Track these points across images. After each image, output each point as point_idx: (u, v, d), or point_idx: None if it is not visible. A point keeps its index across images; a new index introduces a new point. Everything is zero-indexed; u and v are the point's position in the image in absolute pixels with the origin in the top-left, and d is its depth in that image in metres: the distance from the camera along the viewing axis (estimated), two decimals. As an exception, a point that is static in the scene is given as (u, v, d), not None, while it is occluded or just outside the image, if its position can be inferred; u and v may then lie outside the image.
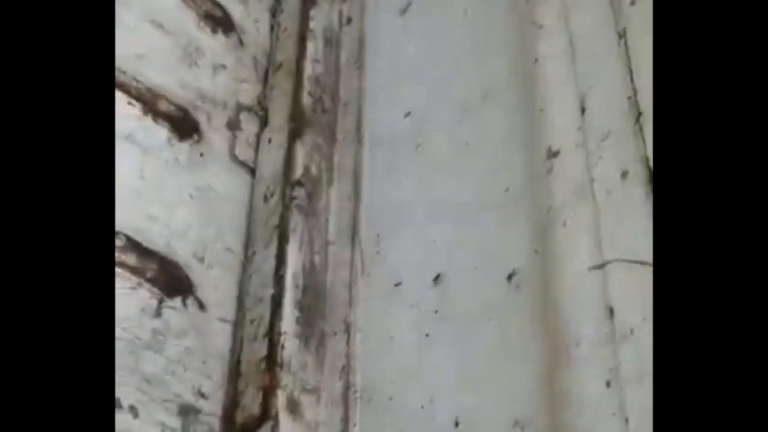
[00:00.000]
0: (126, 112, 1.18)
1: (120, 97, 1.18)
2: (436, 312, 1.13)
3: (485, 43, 1.30)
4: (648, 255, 0.90)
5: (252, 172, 1.30)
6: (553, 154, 1.08)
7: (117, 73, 1.19)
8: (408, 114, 1.32)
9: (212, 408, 1.05)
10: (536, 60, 1.17)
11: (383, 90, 1.39)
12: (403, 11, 1.45)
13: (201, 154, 1.24)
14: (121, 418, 0.97)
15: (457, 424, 1.03)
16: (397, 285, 1.18)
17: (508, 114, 1.20)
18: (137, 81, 1.21)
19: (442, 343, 1.11)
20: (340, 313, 1.18)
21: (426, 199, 1.23)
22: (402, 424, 1.08)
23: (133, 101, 1.19)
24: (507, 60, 1.25)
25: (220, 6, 1.39)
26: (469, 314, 1.10)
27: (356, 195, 1.29)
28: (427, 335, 1.12)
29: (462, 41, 1.34)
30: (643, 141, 0.99)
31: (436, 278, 1.15)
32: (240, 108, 1.34)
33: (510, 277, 1.08)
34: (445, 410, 1.05)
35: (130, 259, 1.08)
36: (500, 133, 1.20)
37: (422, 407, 1.07)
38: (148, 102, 1.21)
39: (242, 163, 1.29)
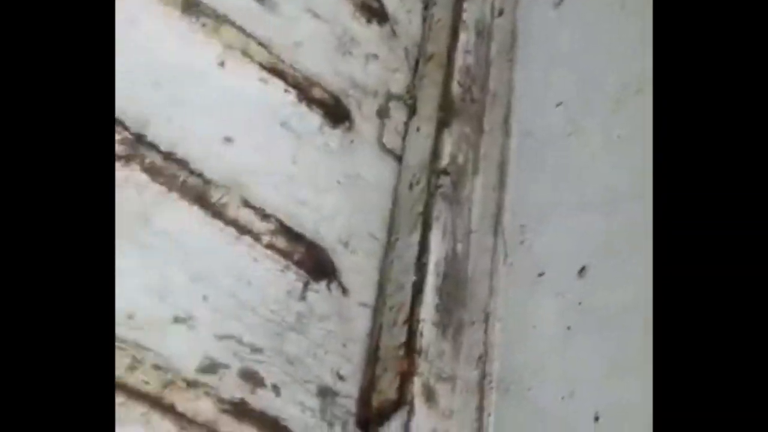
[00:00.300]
0: (282, 99, 1.19)
1: (277, 84, 1.19)
2: (580, 304, 1.09)
3: (641, 36, 1.25)
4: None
5: (398, 159, 1.29)
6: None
7: (276, 61, 1.20)
8: (560, 104, 1.29)
9: (350, 390, 1.05)
10: (691, 55, 1.11)
11: (534, 81, 1.35)
12: (558, 4, 1.41)
13: (351, 141, 1.24)
14: (264, 396, 0.98)
15: (597, 419, 1.00)
16: (540, 275, 1.15)
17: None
18: (294, 69, 1.21)
19: (585, 336, 1.07)
20: (479, 302, 1.16)
21: (575, 189, 1.19)
22: (540, 415, 1.05)
23: (290, 88, 1.20)
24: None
25: (376, -3, 1.38)
26: (614, 307, 1.06)
27: (501, 185, 1.26)
28: (569, 327, 1.09)
29: (617, 33, 1.29)
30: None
31: (582, 270, 1.11)
32: (390, 97, 1.33)
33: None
34: (585, 403, 1.01)
35: (280, 242, 1.09)
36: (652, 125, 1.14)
37: (562, 399, 1.04)
38: (304, 89, 1.21)
39: (389, 151, 1.29)
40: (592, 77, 1.27)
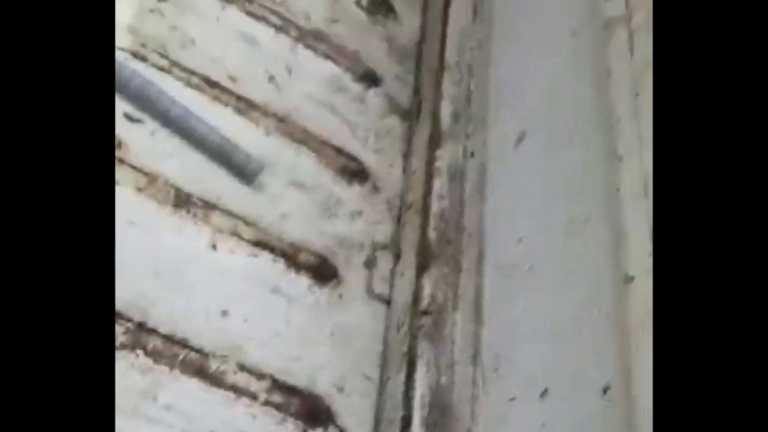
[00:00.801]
0: (272, 268, 1.34)
1: (266, 256, 1.34)
2: (543, 425, 1.20)
3: (587, 171, 1.38)
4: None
5: (387, 303, 1.42)
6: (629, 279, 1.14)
7: (263, 235, 1.36)
8: (520, 240, 1.41)
9: None
10: (618, 189, 1.24)
11: (500, 218, 1.48)
12: (518, 142, 1.54)
13: (340, 296, 1.38)
14: None
15: None
16: (511, 400, 1.26)
17: (603, 240, 1.26)
18: (281, 240, 1.37)
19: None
20: (463, 428, 1.27)
21: (535, 318, 1.31)
22: None
23: (278, 258, 1.35)
24: (602, 188, 1.31)
25: (355, 159, 1.54)
26: (572, 427, 1.16)
27: (477, 318, 1.39)
28: (535, 448, 1.20)
29: (567, 168, 1.42)
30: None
31: (543, 393, 1.22)
32: (375, 247, 1.47)
33: (605, 390, 1.14)
34: None
35: (276, 397, 1.22)
36: (596, 257, 1.26)
37: None
38: (291, 256, 1.36)
39: (378, 297, 1.42)
40: (545, 211, 1.39)
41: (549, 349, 1.26)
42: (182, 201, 1.29)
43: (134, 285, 1.19)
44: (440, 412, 1.29)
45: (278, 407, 1.22)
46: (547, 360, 1.25)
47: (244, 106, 1.46)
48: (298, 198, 1.43)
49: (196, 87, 1.42)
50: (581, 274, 1.27)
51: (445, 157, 1.58)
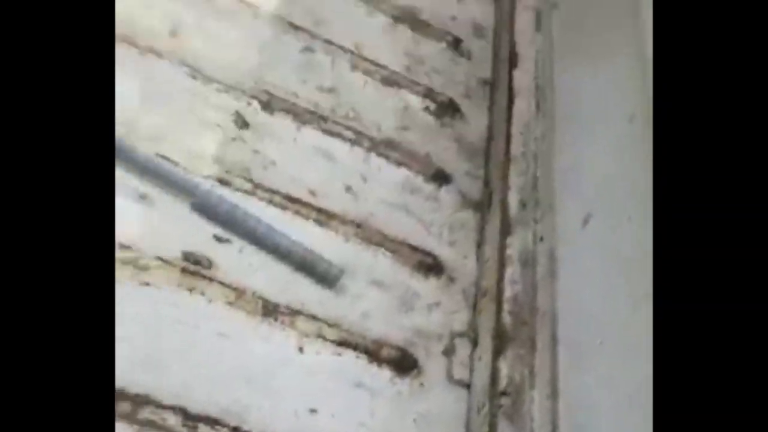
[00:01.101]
0: (355, 364, 1.41)
1: (350, 354, 1.41)
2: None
3: (646, 247, 1.40)
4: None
5: (467, 387, 1.47)
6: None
7: (346, 335, 1.43)
8: (591, 316, 1.44)
9: None
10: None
11: (572, 297, 1.52)
12: (584, 224, 1.58)
13: (421, 385, 1.44)
14: None
15: None
16: (593, 474, 1.29)
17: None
18: (363, 337, 1.44)
19: None
20: (548, 503, 1.30)
21: (609, 390, 1.33)
22: None
23: (361, 354, 1.42)
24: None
25: (430, 254, 1.61)
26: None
27: (554, 394, 1.42)
28: None
29: (632, 245, 1.45)
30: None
31: (626, 463, 1.24)
32: (453, 335, 1.52)
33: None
34: None
35: (364, 485, 1.28)
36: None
37: None
38: (373, 352, 1.43)
39: (458, 382, 1.47)
40: (611, 289, 1.43)
41: (624, 418, 1.27)
42: (270, 311, 1.38)
43: (229, 392, 1.28)
44: (525, 487, 1.32)
45: (367, 495, 1.27)
46: (623, 430, 1.27)
47: (324, 217, 1.55)
48: (377, 296, 1.50)
49: (279, 205, 1.52)
50: (650, 345, 1.29)
51: (515, 244, 1.64)
